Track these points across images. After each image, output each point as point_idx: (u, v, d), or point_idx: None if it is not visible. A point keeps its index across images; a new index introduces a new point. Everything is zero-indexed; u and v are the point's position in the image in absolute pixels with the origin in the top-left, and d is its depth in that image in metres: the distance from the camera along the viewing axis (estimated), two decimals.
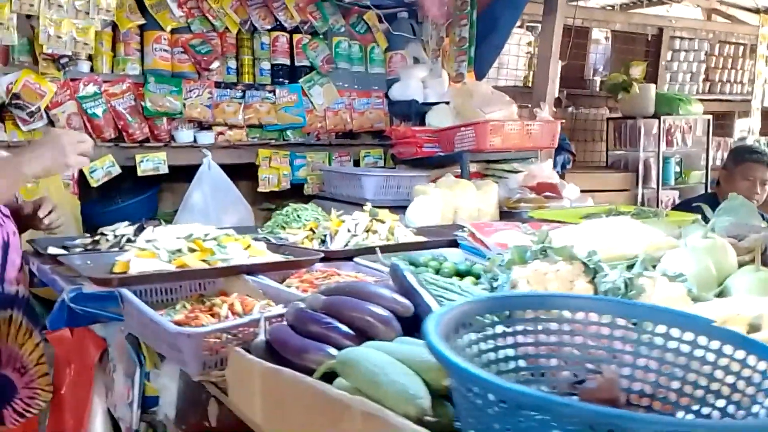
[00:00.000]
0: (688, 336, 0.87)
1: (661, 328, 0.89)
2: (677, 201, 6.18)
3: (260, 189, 3.73)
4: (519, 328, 0.91)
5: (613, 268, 1.55)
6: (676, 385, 0.87)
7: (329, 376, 1.12)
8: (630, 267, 1.58)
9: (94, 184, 3.28)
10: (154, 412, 1.72)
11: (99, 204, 3.51)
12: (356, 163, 4.00)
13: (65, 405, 2.11)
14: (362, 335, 1.19)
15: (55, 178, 3.15)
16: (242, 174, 3.76)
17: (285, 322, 1.34)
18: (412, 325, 1.23)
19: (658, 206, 6.06)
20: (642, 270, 1.46)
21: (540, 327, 0.92)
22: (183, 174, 3.55)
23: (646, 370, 0.90)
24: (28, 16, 3.07)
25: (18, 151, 1.58)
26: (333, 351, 1.16)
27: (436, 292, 1.35)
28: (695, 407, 0.84)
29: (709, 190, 6.25)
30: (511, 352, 0.90)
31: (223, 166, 3.55)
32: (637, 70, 6.17)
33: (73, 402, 2.09)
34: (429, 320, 0.82)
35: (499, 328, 0.90)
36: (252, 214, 3.60)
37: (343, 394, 0.97)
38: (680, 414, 0.85)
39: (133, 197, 3.59)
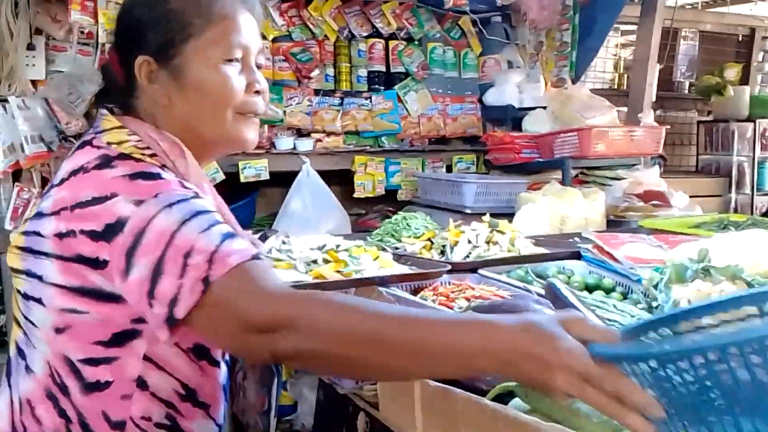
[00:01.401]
0: None
1: None
2: None
3: (356, 195, 3.75)
4: None
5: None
6: None
7: (495, 400, 1.12)
8: None
9: None
10: (289, 421, 1.75)
11: None
12: (448, 169, 3.98)
13: None
14: None
15: None
16: (335, 179, 3.79)
17: None
18: None
19: (752, 213, 5.84)
20: None
21: None
22: (276, 179, 3.60)
23: None
24: None
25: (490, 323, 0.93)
26: None
27: (594, 312, 1.32)
28: None
29: None
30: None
31: (320, 172, 3.59)
32: (732, 72, 5.96)
33: None
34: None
35: None
36: (348, 220, 3.63)
37: (534, 419, 0.95)
38: None
39: (233, 202, 3.66)
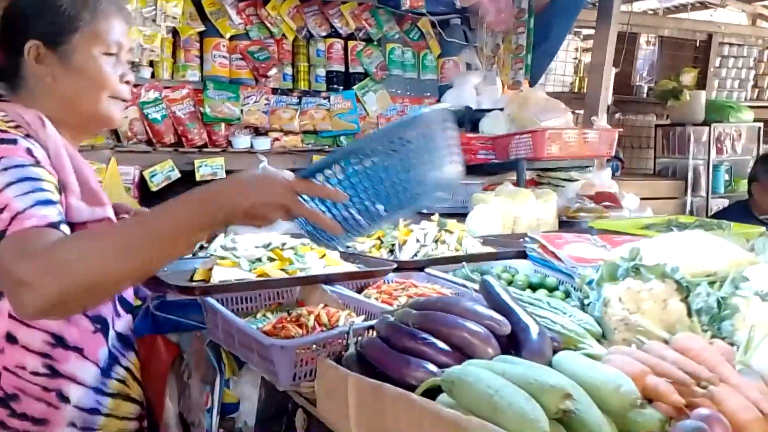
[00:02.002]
0: None
1: None
2: None
3: None
4: None
5: (697, 285, 1.53)
6: None
7: (427, 393, 1.13)
8: (712, 284, 1.57)
9: (153, 188, 3.33)
10: (232, 419, 1.75)
11: None
12: None
13: None
14: (459, 352, 1.20)
15: (116, 181, 3.21)
16: None
17: (375, 335, 1.35)
18: (507, 343, 1.23)
19: (707, 215, 5.97)
20: (734, 289, 1.44)
21: None
22: None
23: None
24: None
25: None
26: (432, 368, 1.16)
27: (526, 308, 1.34)
28: None
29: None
30: None
31: None
32: (688, 77, 6.09)
33: (148, 406, 2.12)
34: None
35: None
36: None
37: (457, 414, 0.96)
38: None
39: None
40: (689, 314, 1.38)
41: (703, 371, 1.13)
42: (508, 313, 1.26)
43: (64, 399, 1.46)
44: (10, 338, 1.39)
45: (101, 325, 1.52)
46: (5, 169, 1.27)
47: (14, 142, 1.33)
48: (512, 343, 1.23)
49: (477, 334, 1.19)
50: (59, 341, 1.44)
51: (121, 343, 1.58)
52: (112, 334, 1.54)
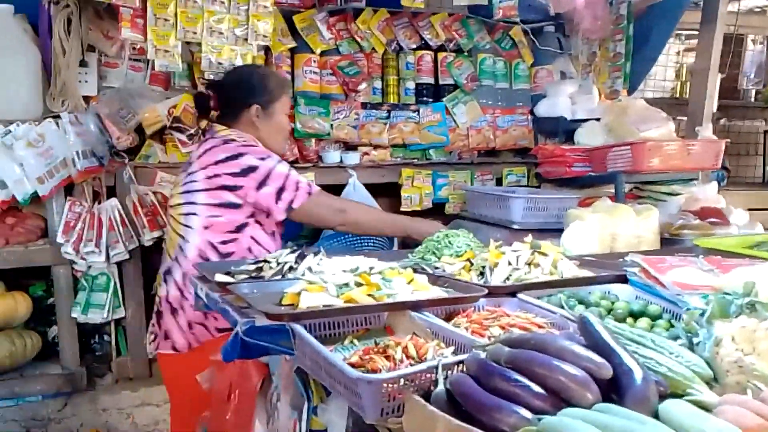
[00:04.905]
0: None
1: None
2: None
3: (403, 208, 3.72)
4: None
5: None
6: None
7: None
8: None
9: None
10: None
11: None
12: (498, 182, 3.91)
13: (228, 429, 2.17)
14: (556, 397, 1.12)
15: None
16: (383, 192, 3.77)
17: (465, 371, 1.29)
18: (608, 387, 1.15)
19: None
20: None
21: None
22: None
23: None
24: (188, 43, 3.21)
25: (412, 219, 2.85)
26: (526, 413, 1.09)
27: (628, 346, 1.25)
28: None
29: None
30: None
31: (367, 185, 3.57)
32: None
33: (237, 427, 2.14)
34: None
35: None
36: None
37: None
38: None
39: None
40: None
41: None
42: (609, 355, 1.17)
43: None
44: (249, 251, 2.49)
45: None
46: (280, 161, 2.53)
47: (259, 146, 2.56)
48: (613, 388, 1.14)
49: (575, 378, 1.11)
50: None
51: None
52: None
